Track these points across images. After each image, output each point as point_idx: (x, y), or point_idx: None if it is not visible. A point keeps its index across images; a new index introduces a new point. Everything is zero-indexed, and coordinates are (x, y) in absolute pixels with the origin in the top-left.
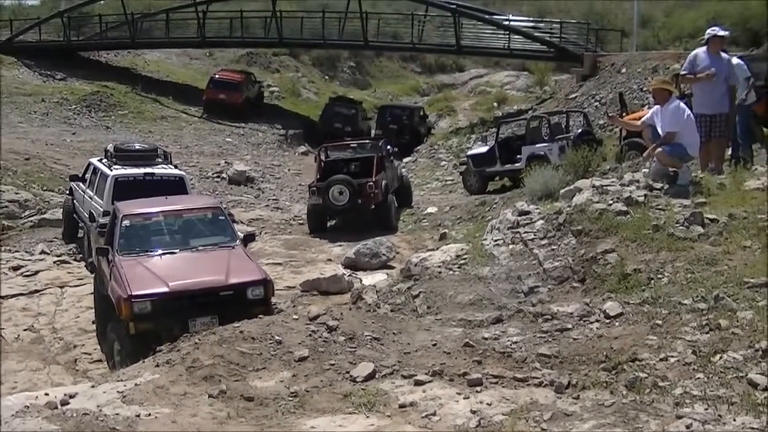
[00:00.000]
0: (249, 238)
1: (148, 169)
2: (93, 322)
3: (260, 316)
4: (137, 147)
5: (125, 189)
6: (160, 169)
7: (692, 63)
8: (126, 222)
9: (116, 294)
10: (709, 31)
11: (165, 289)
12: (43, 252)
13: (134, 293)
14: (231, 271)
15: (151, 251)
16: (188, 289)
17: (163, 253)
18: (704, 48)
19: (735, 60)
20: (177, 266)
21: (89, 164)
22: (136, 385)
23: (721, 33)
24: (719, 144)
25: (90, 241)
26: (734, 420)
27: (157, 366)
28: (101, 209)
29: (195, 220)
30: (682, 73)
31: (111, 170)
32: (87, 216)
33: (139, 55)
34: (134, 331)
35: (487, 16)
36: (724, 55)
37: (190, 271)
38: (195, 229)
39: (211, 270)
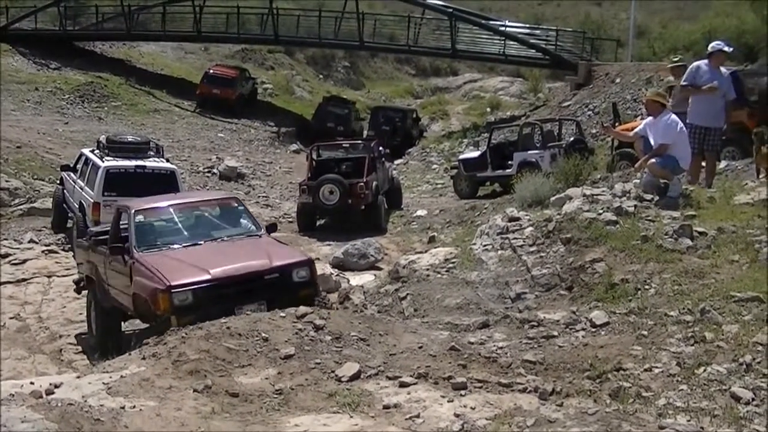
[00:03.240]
0: (271, 228)
1: (140, 162)
2: (80, 313)
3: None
4: (130, 139)
5: (116, 180)
6: (152, 162)
7: (694, 74)
8: (139, 217)
9: (148, 289)
10: (714, 44)
11: (207, 276)
12: (31, 241)
13: (173, 283)
14: (272, 254)
15: (175, 245)
16: (232, 274)
17: (189, 245)
18: (706, 61)
19: None
20: (211, 255)
21: (81, 154)
22: (121, 377)
23: (726, 48)
24: (710, 158)
25: (76, 253)
26: None
27: (143, 359)
28: (91, 200)
29: (213, 212)
30: (683, 83)
31: (103, 161)
32: (77, 206)
33: (134, 47)
34: (176, 325)
35: (483, 21)
36: (723, 69)
37: (229, 258)
38: (214, 222)
39: (251, 255)
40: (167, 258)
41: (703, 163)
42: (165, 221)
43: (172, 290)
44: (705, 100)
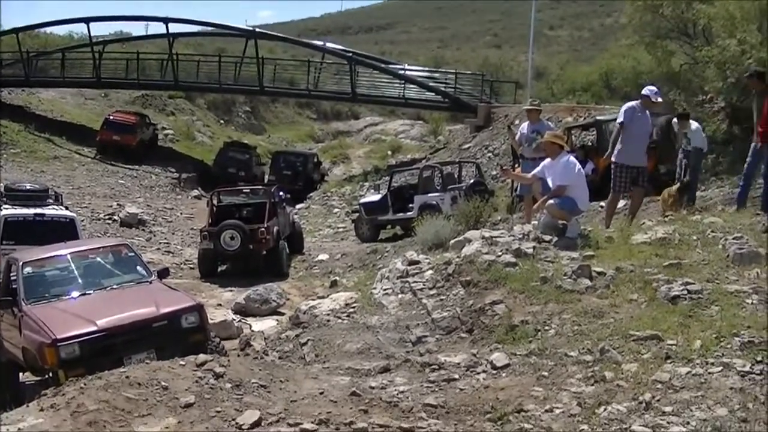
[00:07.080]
0: (163, 273)
1: (39, 210)
2: None
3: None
4: (28, 187)
5: (15, 229)
6: (51, 210)
7: (631, 115)
8: (28, 269)
9: (35, 342)
10: (647, 89)
11: (93, 328)
12: None
13: (59, 336)
14: (160, 301)
15: (64, 296)
16: (119, 324)
17: (79, 296)
18: (638, 102)
19: (694, 125)
20: (99, 305)
21: None
22: (19, 429)
23: (657, 99)
24: (640, 193)
25: None
26: None
27: (42, 410)
28: None
29: (103, 259)
30: (620, 121)
31: (0, 210)
32: None
33: (33, 94)
34: (65, 379)
35: (382, 65)
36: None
37: (116, 307)
38: (105, 269)
39: (138, 303)
40: (55, 310)
41: (623, 203)
42: (54, 272)
43: (58, 344)
44: (637, 141)
